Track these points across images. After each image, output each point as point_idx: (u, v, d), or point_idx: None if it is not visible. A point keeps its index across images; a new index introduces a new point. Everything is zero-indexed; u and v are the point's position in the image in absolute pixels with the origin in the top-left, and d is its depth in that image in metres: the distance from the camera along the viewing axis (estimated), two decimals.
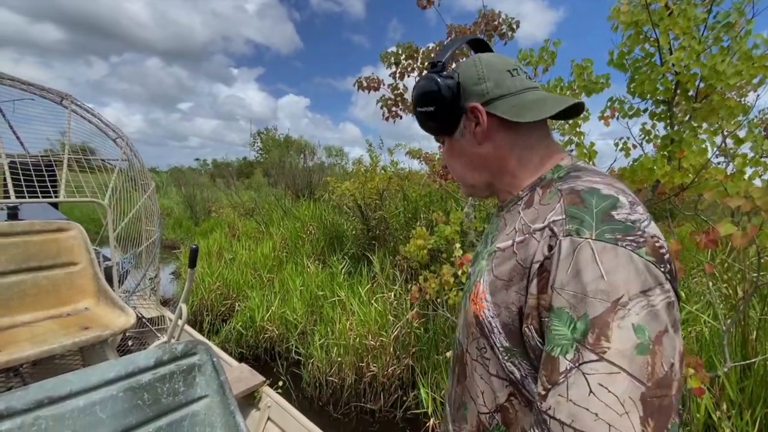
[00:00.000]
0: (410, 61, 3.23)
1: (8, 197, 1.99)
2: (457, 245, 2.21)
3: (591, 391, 0.38)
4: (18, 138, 2.69)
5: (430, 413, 2.59)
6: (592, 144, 2.01)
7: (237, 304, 4.50)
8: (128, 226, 2.65)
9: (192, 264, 1.72)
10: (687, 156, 1.81)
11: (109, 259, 2.44)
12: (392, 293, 3.60)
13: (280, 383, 3.21)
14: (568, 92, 2.16)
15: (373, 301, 3.46)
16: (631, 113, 2.01)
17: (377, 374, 3.02)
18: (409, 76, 3.24)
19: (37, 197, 2.11)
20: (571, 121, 2.10)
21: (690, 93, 1.90)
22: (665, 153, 1.90)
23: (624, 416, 0.37)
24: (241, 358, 3.77)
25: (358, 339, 3.13)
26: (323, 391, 3.13)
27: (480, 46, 0.70)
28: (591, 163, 2.15)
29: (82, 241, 2.14)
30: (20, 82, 2.45)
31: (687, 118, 2.00)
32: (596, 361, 0.39)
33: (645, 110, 2.14)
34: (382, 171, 5.14)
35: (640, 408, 0.37)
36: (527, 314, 0.47)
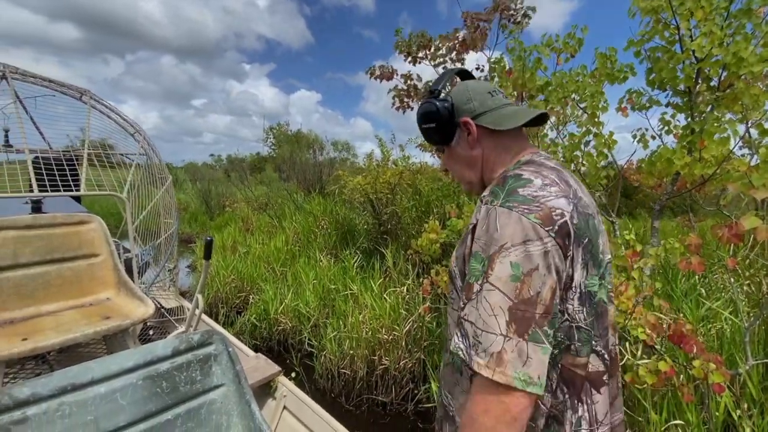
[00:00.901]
0: (424, 50, 3.21)
1: (32, 191, 2.06)
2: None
3: (480, 301, 0.59)
4: (41, 134, 2.78)
5: None
6: (611, 134, 1.97)
7: (251, 296, 4.58)
8: (147, 219, 2.72)
9: (207, 256, 1.76)
10: (708, 147, 1.75)
11: (129, 251, 2.50)
12: (404, 287, 3.61)
13: (294, 374, 3.26)
14: (590, 80, 2.09)
15: (385, 295, 3.47)
16: (649, 105, 1.96)
17: (389, 367, 3.05)
18: (420, 62, 3.22)
19: (59, 191, 2.18)
20: (590, 112, 2.05)
21: (712, 82, 1.83)
22: (685, 144, 1.85)
23: (492, 317, 0.57)
24: (255, 350, 3.84)
25: (370, 332, 3.15)
26: (335, 383, 3.17)
27: (466, 75, 0.90)
28: (609, 152, 2.11)
29: (102, 234, 2.21)
30: (41, 79, 2.52)
31: (709, 107, 1.94)
32: (486, 283, 0.59)
33: (667, 104, 2.08)
34: (393, 165, 5.13)
35: (507, 315, 0.57)
36: (466, 259, 0.67)
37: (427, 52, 3.21)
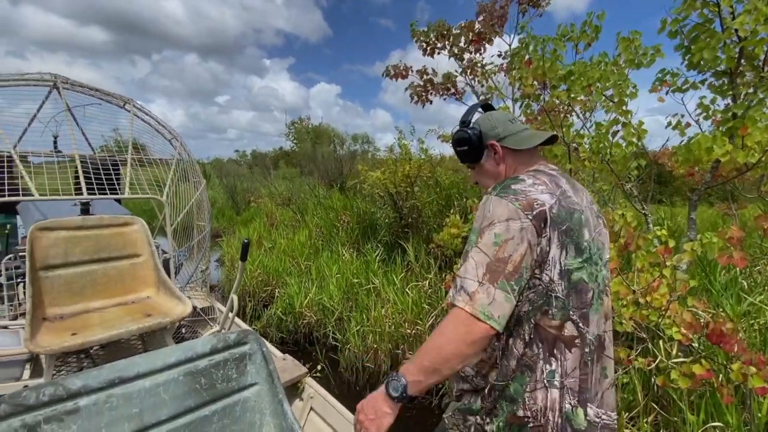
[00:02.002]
0: (443, 40, 3.13)
1: (81, 194, 2.17)
2: None
3: (468, 260, 0.80)
4: (87, 140, 2.93)
5: None
6: (641, 123, 1.86)
7: (277, 290, 4.69)
8: (182, 220, 2.83)
9: (243, 257, 1.80)
10: (752, 133, 1.63)
11: (166, 252, 2.61)
12: (427, 282, 3.60)
13: (319, 367, 3.34)
14: (613, 68, 1.99)
15: (407, 290, 3.47)
16: (685, 87, 1.83)
17: None
18: (439, 53, 3.16)
19: (105, 194, 2.30)
20: (616, 99, 1.94)
21: (756, 62, 1.69)
22: (726, 130, 1.72)
23: (474, 269, 0.78)
24: (281, 342, 3.96)
25: (393, 327, 3.17)
26: (360, 376, 3.22)
27: (488, 107, 1.11)
28: (640, 142, 2.00)
29: (144, 235, 2.31)
30: (88, 88, 2.66)
31: (752, 89, 1.80)
32: (476, 247, 0.80)
33: (702, 82, 1.94)
34: (410, 159, 5.08)
35: (484, 268, 0.77)
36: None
37: (446, 42, 3.14)
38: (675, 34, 1.79)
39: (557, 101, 1.86)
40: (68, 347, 1.62)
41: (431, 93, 3.28)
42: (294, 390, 2.08)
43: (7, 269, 2.12)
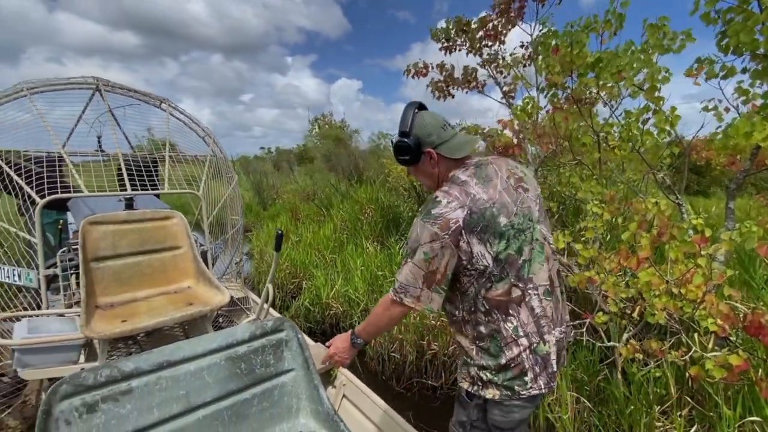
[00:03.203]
0: (462, 34, 3.11)
1: (125, 190, 2.33)
2: None
3: (405, 269, 1.09)
4: (127, 139, 3.12)
5: None
6: (674, 109, 1.79)
7: (304, 282, 4.83)
8: (216, 214, 2.98)
9: (277, 248, 1.88)
10: None
11: (203, 245, 2.75)
12: None
13: None
14: (641, 55, 1.90)
15: None
16: (722, 73, 1.75)
17: (438, 352, 3.10)
18: (459, 50, 3.14)
19: (147, 189, 2.45)
20: (647, 85, 1.88)
21: None
22: (766, 114, 1.64)
23: (414, 279, 1.08)
24: (309, 333, 4.09)
25: (418, 318, 3.21)
26: (386, 366, 3.29)
27: (422, 107, 1.23)
28: (673, 129, 1.94)
29: (183, 228, 2.45)
30: (127, 90, 2.84)
31: None
32: (411, 261, 1.08)
33: (744, 70, 1.84)
34: None
35: (422, 278, 1.07)
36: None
37: (466, 38, 3.11)
38: (708, 17, 1.70)
39: (585, 89, 1.81)
40: (119, 333, 1.76)
41: (452, 87, 3.27)
42: (327, 377, 2.15)
43: (62, 261, 2.30)
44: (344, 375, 2.14)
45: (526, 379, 1.10)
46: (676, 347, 1.95)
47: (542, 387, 1.11)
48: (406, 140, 1.15)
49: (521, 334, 1.10)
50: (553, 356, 1.14)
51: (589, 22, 2.12)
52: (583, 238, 2.10)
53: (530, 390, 1.10)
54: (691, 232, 1.68)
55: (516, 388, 1.10)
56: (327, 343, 1.43)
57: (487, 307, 1.09)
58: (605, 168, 2.32)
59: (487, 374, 1.13)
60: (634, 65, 1.82)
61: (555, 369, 1.14)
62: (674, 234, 1.45)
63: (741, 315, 1.56)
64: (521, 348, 1.10)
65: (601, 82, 1.74)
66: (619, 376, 2.21)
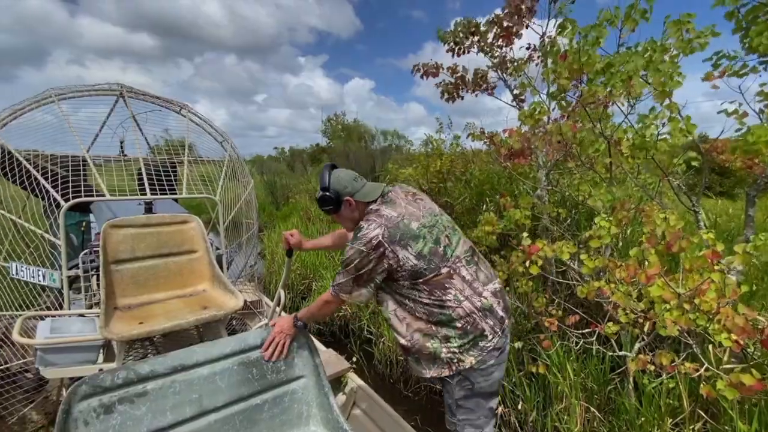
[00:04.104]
0: (471, 37, 3.09)
1: (145, 194, 2.39)
2: (524, 234, 2.12)
3: (340, 276, 1.41)
4: (148, 144, 3.22)
5: (498, 401, 2.58)
6: (689, 118, 1.73)
7: (313, 284, 4.89)
8: (233, 217, 3.04)
9: (289, 254, 1.89)
10: None
11: (218, 248, 2.80)
12: None
13: (354, 359, 3.46)
14: (665, 55, 1.83)
15: None
16: (743, 72, 1.69)
17: None
18: (468, 52, 3.12)
19: (166, 194, 2.51)
20: (659, 89, 1.83)
21: None
22: None
23: (348, 282, 1.39)
24: (318, 334, 4.13)
25: None
26: (394, 369, 3.30)
27: (334, 167, 1.55)
28: (690, 136, 1.88)
29: (200, 232, 2.49)
30: (150, 96, 2.93)
31: None
32: (344, 271, 1.39)
33: (763, 64, 1.78)
34: (442, 155, 5.03)
35: (353, 281, 1.38)
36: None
37: (474, 40, 3.08)
38: (732, 15, 1.65)
39: (595, 94, 1.78)
40: (137, 335, 1.81)
41: (462, 89, 3.25)
42: (337, 384, 2.16)
43: (83, 263, 2.38)
44: (354, 382, 2.14)
45: (486, 333, 1.36)
46: (690, 359, 1.90)
47: (498, 332, 1.39)
48: (327, 193, 1.46)
49: (462, 298, 1.36)
50: (496, 306, 1.42)
51: (608, 15, 2.03)
52: (583, 247, 2.07)
53: (492, 340, 1.37)
54: (708, 242, 1.64)
55: (481, 344, 1.36)
56: (271, 323, 1.64)
57: (427, 289, 1.36)
58: (617, 171, 2.27)
59: (455, 345, 1.35)
60: (653, 69, 1.75)
61: (502, 314, 1.43)
62: (683, 246, 1.41)
63: (760, 327, 1.51)
64: (467, 310, 1.36)
65: (610, 89, 1.70)
66: (631, 386, 2.17)
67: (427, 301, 1.36)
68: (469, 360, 1.34)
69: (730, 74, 1.82)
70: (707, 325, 1.55)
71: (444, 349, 1.35)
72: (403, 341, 1.42)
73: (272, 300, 2.17)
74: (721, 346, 1.78)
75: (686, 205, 2.04)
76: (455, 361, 1.35)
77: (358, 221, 1.44)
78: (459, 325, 1.34)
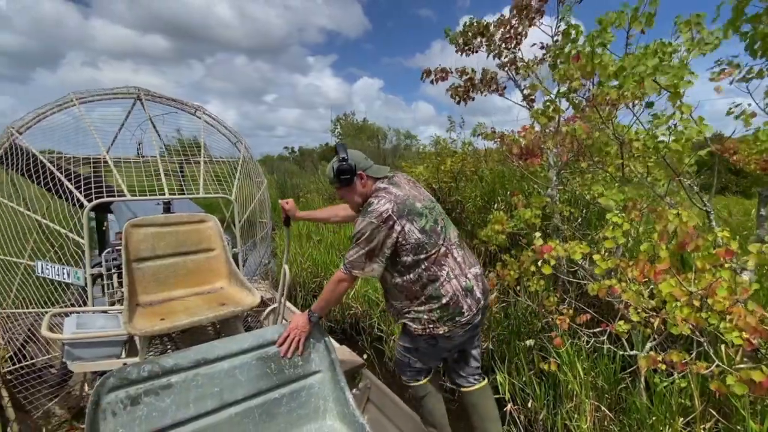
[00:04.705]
0: (479, 37, 3.10)
1: (163, 194, 2.46)
2: (537, 234, 2.14)
3: (352, 251, 1.56)
4: (164, 145, 3.31)
5: (507, 399, 2.60)
6: (701, 119, 1.73)
7: (325, 281, 4.94)
8: (247, 216, 3.11)
9: (286, 222, 1.97)
10: None
11: (235, 247, 2.87)
12: None
13: (365, 356, 3.51)
14: (674, 56, 1.83)
15: None
16: (750, 76, 1.68)
17: None
18: (476, 52, 3.13)
19: (183, 194, 2.57)
20: (672, 91, 1.82)
21: None
22: None
23: (360, 257, 1.53)
24: (330, 332, 4.19)
25: None
26: None
27: (345, 147, 1.65)
28: (703, 136, 1.87)
29: (217, 231, 2.55)
30: (165, 98, 3.01)
31: None
32: (356, 245, 1.53)
33: None
34: (454, 153, 5.04)
35: (365, 255, 1.52)
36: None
37: (482, 40, 3.09)
38: (738, 17, 1.63)
39: (607, 96, 1.78)
40: (159, 331, 1.87)
41: (472, 91, 3.27)
42: (351, 380, 2.19)
43: (106, 261, 2.47)
44: (369, 378, 2.17)
45: (463, 310, 1.57)
46: (702, 358, 1.90)
47: (474, 311, 1.60)
48: (346, 163, 1.57)
49: (452, 276, 1.57)
50: (476, 288, 1.63)
51: (614, 18, 2.00)
52: (595, 247, 2.06)
53: (467, 317, 1.58)
54: (721, 241, 1.64)
55: (457, 318, 1.57)
56: (291, 324, 1.67)
57: (426, 264, 1.55)
58: (628, 171, 2.27)
59: (435, 315, 1.57)
60: (666, 71, 1.74)
61: (479, 296, 1.63)
62: (699, 245, 1.42)
63: None
64: (453, 288, 1.57)
65: (623, 92, 1.70)
66: (643, 385, 2.17)
67: (424, 275, 1.55)
68: (443, 329, 1.58)
69: (738, 80, 1.80)
70: (718, 324, 1.55)
71: (425, 316, 1.59)
72: (397, 305, 1.67)
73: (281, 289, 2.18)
74: (735, 346, 1.78)
75: (698, 205, 2.03)
76: (431, 326, 1.59)
77: (366, 197, 1.61)
78: (444, 301, 1.56)
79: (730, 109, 1.78)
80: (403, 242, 1.51)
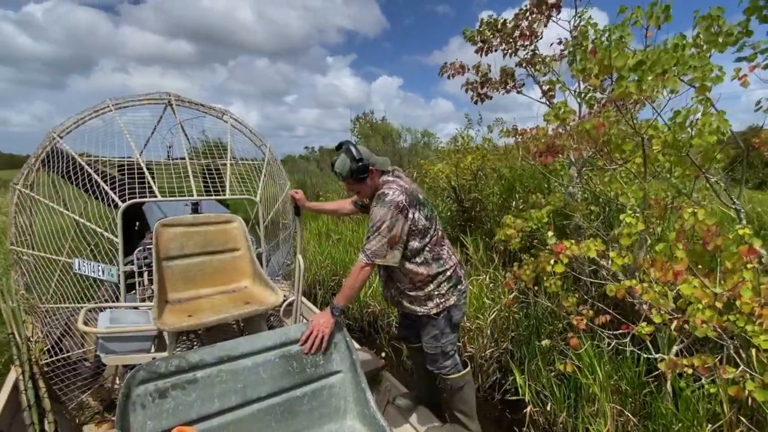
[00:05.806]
0: (497, 34, 3.06)
1: (192, 195, 2.56)
2: (550, 233, 2.10)
3: (375, 239, 1.69)
4: (193, 148, 3.46)
5: (527, 400, 2.57)
6: (722, 113, 1.65)
7: (343, 279, 5.00)
8: (271, 217, 3.20)
9: (297, 212, 2.04)
10: None
11: (259, 247, 2.95)
12: (487, 276, 3.59)
13: (383, 355, 3.54)
14: (693, 49, 1.76)
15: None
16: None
17: (474, 355, 3.11)
18: (495, 50, 3.09)
19: (211, 195, 2.67)
20: (698, 84, 1.76)
21: None
22: None
23: (381, 245, 1.69)
24: (349, 329, 4.24)
25: None
26: None
27: (355, 146, 1.81)
28: (727, 133, 1.80)
29: (242, 231, 2.63)
30: (194, 103, 3.14)
31: None
32: (378, 233, 1.68)
33: None
34: (476, 149, 4.99)
35: (387, 243, 1.69)
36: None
37: (502, 40, 3.05)
38: (757, 9, 1.55)
39: (626, 94, 1.73)
40: (187, 327, 1.95)
41: (488, 88, 3.23)
42: (371, 382, 2.23)
43: (137, 259, 2.59)
44: (389, 380, 2.18)
45: (462, 279, 1.93)
46: (733, 363, 1.82)
47: (464, 280, 1.94)
48: (361, 164, 1.74)
49: (450, 253, 1.91)
50: (458, 268, 1.94)
51: (630, 15, 1.96)
52: (615, 246, 2.01)
53: (464, 284, 1.94)
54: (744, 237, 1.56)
55: (458, 287, 1.90)
56: (312, 321, 1.72)
57: (430, 246, 1.81)
58: (651, 167, 2.19)
59: (444, 289, 1.84)
60: (688, 63, 1.69)
61: (461, 274, 1.94)
62: (719, 243, 1.37)
63: None
64: (453, 263, 1.90)
65: (644, 87, 1.65)
66: (669, 389, 2.10)
67: (429, 256, 1.81)
68: (453, 299, 1.86)
69: (762, 67, 1.71)
70: (746, 327, 1.49)
71: (436, 292, 1.84)
72: (409, 290, 1.86)
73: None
74: (765, 350, 1.70)
75: (725, 202, 1.94)
76: (443, 301, 1.84)
77: (375, 188, 1.82)
78: (449, 273, 1.85)
79: (759, 103, 1.69)
80: (414, 228, 1.74)
